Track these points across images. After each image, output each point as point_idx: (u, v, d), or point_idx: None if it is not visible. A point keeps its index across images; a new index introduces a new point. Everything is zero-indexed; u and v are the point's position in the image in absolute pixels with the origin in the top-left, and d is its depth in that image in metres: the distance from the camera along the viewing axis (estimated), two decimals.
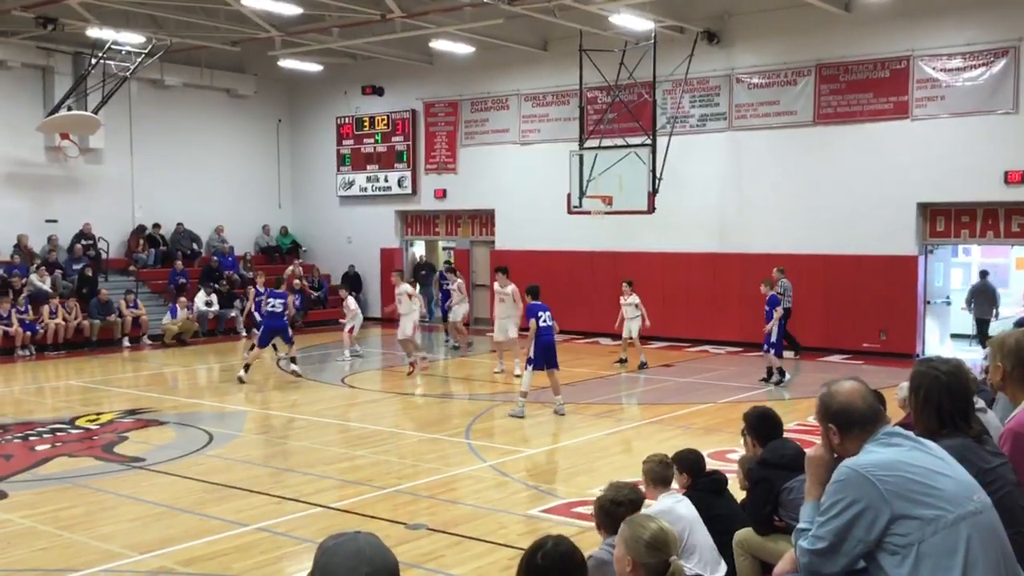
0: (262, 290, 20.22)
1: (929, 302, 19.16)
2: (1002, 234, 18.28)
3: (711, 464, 9.73)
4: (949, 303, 19.96)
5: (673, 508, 5.61)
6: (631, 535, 3.78)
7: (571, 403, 14.41)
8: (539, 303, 13.53)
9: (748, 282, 19.90)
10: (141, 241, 24.36)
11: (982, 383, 6.16)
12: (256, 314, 20.24)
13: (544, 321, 13.24)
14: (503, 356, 17.45)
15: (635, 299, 17.84)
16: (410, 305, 17.34)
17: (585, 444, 11.89)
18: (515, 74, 23.44)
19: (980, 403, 4.95)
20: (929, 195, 18.58)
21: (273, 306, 16.82)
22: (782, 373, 15.82)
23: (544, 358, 13.20)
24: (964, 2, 18.02)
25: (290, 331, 17.08)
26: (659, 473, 6.07)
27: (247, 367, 16.52)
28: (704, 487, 6.21)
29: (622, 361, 18.09)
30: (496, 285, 16.91)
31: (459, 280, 20.60)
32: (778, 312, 15.54)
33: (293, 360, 16.79)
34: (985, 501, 3.31)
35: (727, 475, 6.61)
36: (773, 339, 15.60)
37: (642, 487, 5.85)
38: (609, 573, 5.08)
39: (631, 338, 17.79)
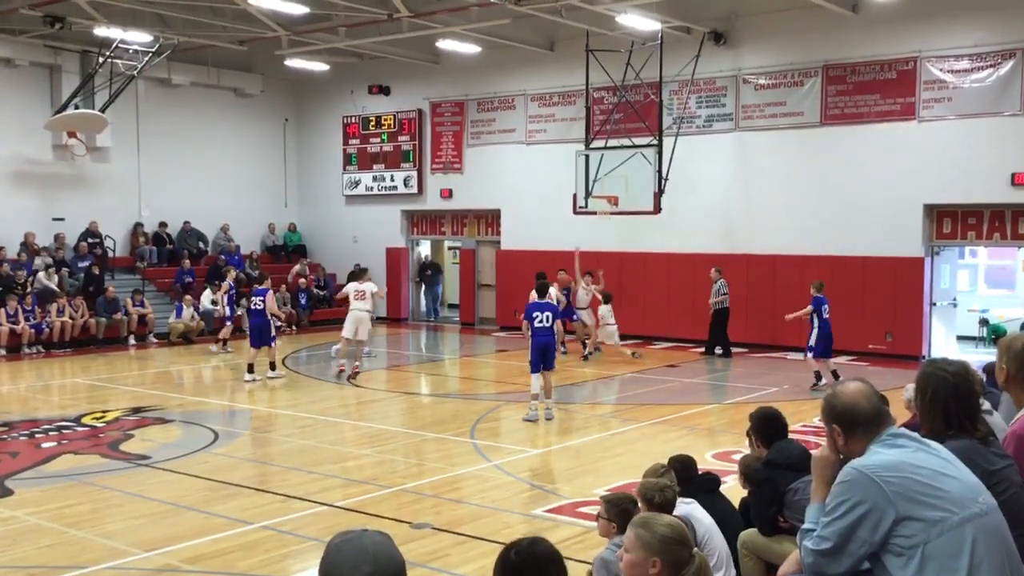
0: (232, 285, 20.58)
1: (935, 304, 19.12)
2: (1009, 236, 18.23)
3: (715, 465, 9.76)
4: (955, 305, 19.91)
5: (692, 513, 5.58)
6: (652, 536, 3.61)
7: (576, 403, 14.43)
8: (539, 303, 13.40)
9: (754, 283, 19.94)
10: (141, 237, 24.40)
11: (990, 385, 6.15)
12: (228, 308, 20.50)
13: (541, 322, 13.09)
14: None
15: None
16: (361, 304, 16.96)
17: (590, 444, 11.89)
18: (521, 74, 23.44)
19: (986, 405, 4.94)
20: (936, 196, 18.54)
21: (255, 303, 16.74)
22: (818, 377, 15.48)
23: (540, 359, 13.03)
24: (971, 4, 17.99)
25: (271, 331, 16.55)
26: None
27: (250, 367, 16.43)
28: (699, 487, 6.20)
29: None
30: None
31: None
32: (826, 312, 15.31)
33: (251, 368, 16.41)
34: (991, 503, 3.30)
35: (730, 476, 6.60)
36: (812, 342, 15.37)
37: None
38: (614, 573, 5.09)
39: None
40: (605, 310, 18.71)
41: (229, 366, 18.78)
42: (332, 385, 16.31)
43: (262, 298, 16.54)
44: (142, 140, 24.61)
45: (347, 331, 16.89)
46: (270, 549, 7.74)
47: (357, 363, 16.80)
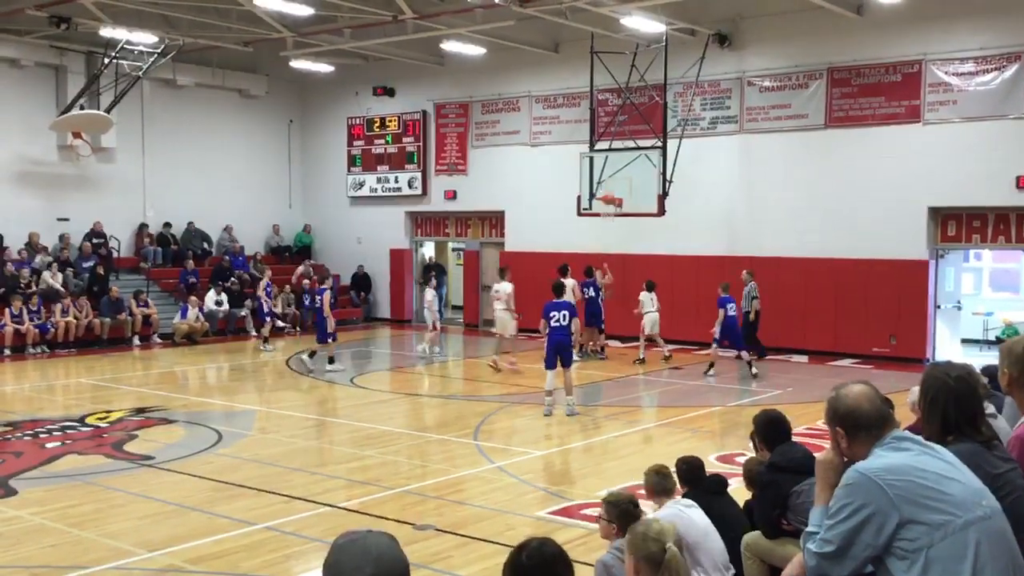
0: (269, 284, 21.69)
1: (940, 307, 19.10)
2: (1013, 239, 18.19)
3: (719, 467, 9.75)
4: (960, 308, 19.88)
5: (686, 514, 5.58)
6: (631, 536, 3.99)
7: (581, 405, 14.41)
8: (555, 302, 13.80)
9: (758, 285, 19.89)
10: (146, 238, 24.43)
11: (994, 388, 6.15)
12: (266, 304, 21.12)
13: (557, 321, 13.42)
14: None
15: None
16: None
17: (594, 446, 11.90)
18: (526, 76, 23.44)
19: (990, 409, 4.94)
20: (940, 199, 18.52)
21: (316, 302, 18.46)
22: (710, 366, 17.16)
23: (554, 357, 13.39)
24: (976, 6, 17.97)
25: (327, 327, 17.85)
26: (660, 484, 6.06)
27: (312, 354, 18.05)
28: (705, 488, 6.20)
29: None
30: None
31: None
32: (721, 314, 16.80)
33: (311, 355, 18.05)
34: (994, 506, 3.30)
35: (734, 479, 6.60)
36: (716, 335, 16.93)
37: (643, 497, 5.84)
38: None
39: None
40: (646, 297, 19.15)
41: (233, 366, 18.81)
42: (335, 386, 16.32)
43: (320, 297, 18.01)
44: (147, 141, 24.65)
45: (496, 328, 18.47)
46: (274, 550, 7.75)
47: (495, 356, 17.76)
